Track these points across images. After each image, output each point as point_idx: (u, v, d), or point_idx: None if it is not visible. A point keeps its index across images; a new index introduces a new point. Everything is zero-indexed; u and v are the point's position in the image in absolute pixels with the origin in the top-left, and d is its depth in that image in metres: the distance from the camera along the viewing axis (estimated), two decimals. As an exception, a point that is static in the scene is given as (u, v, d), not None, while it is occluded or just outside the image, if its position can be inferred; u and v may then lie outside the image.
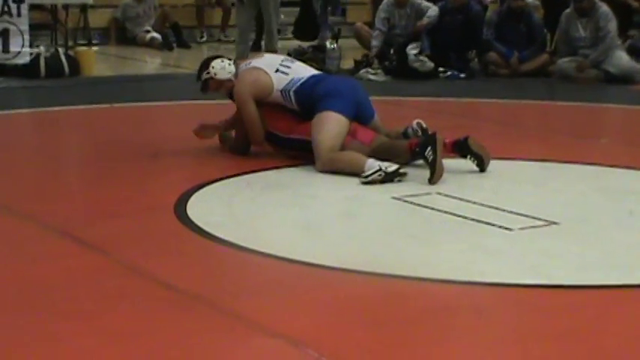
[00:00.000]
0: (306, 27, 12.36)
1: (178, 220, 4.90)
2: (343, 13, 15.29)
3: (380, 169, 5.60)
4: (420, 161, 5.79)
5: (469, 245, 4.56)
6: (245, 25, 10.77)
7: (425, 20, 10.97)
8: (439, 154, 5.63)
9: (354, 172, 5.70)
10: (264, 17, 10.66)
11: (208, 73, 6.27)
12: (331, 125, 5.90)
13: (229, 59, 6.37)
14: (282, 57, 6.67)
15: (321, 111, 5.95)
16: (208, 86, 6.33)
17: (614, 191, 5.67)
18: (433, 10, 11.05)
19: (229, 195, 5.47)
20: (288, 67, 6.28)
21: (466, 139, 5.95)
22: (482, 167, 5.97)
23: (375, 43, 11.02)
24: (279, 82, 6.14)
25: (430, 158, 5.63)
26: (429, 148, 5.65)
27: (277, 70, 6.19)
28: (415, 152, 5.77)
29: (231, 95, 6.33)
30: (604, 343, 3.49)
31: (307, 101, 6.06)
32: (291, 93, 6.11)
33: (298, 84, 6.12)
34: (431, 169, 5.63)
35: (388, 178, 5.60)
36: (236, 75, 6.25)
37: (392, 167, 5.62)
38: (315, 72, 6.34)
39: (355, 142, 5.98)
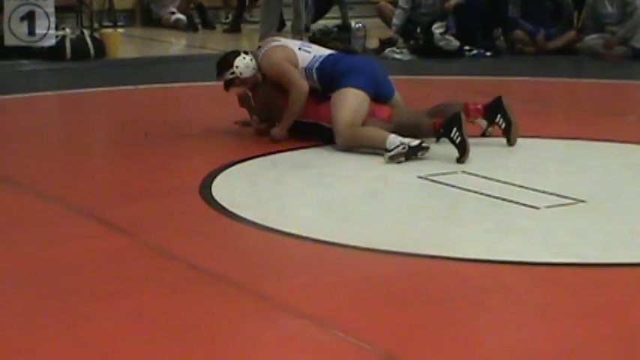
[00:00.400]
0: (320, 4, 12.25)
1: (204, 200, 4.91)
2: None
3: (402, 143, 5.59)
4: (445, 139, 5.75)
5: (495, 224, 4.54)
6: (272, 6, 10.71)
7: (453, 0, 10.90)
8: (465, 133, 5.61)
9: (376, 147, 5.71)
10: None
11: (233, 73, 6.16)
12: (350, 100, 5.89)
13: (246, 53, 6.26)
14: (299, 41, 6.72)
15: (340, 88, 5.95)
16: (233, 85, 6.23)
17: (642, 169, 5.63)
18: None
19: (254, 175, 5.47)
20: (309, 46, 6.34)
21: (499, 97, 5.98)
22: (508, 134, 5.96)
23: (396, 21, 10.96)
24: (303, 59, 6.14)
25: (458, 140, 5.60)
26: (455, 129, 5.61)
27: (300, 49, 6.20)
28: (440, 133, 5.73)
29: (252, 89, 6.29)
30: (631, 321, 3.47)
31: (328, 78, 6.06)
32: (314, 70, 6.10)
33: (320, 61, 6.12)
34: (460, 150, 5.60)
35: (412, 152, 5.59)
36: (258, 67, 6.20)
37: (415, 142, 5.61)
38: (333, 52, 6.36)
39: (375, 120, 5.96)
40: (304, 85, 6.03)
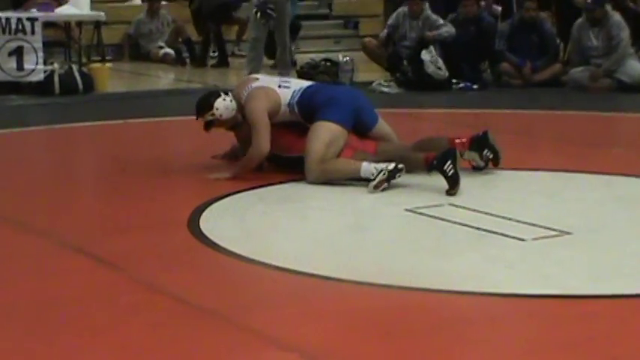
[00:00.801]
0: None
1: (192, 234, 4.92)
2: (355, 26, 15.33)
3: (381, 170, 5.66)
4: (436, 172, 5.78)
5: (482, 256, 4.56)
6: (261, 42, 10.71)
7: (435, 32, 10.99)
8: (459, 168, 5.67)
9: (349, 179, 5.78)
10: (279, 31, 10.64)
11: (213, 115, 6.15)
12: (324, 135, 5.92)
13: (226, 93, 6.24)
14: (276, 77, 6.73)
15: (317, 120, 5.99)
16: (212, 126, 6.24)
17: (628, 200, 5.66)
18: (448, 31, 11.03)
19: (242, 209, 5.48)
20: (288, 81, 6.37)
21: (485, 133, 6.10)
22: (497, 161, 6.10)
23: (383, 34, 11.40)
24: (284, 96, 6.15)
25: (450, 172, 5.65)
26: (449, 162, 5.66)
27: (280, 86, 6.21)
28: (433, 165, 5.76)
29: (232, 127, 6.30)
30: (618, 353, 3.48)
31: (309, 111, 6.08)
32: (295, 104, 6.13)
33: (299, 94, 6.15)
34: (451, 182, 5.64)
35: (392, 175, 5.68)
36: (239, 107, 6.17)
37: (390, 165, 5.69)
38: (312, 83, 6.41)
39: (360, 152, 6.00)
40: (265, 148, 6.00)
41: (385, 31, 11.50)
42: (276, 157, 6.20)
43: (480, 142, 6.10)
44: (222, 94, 6.21)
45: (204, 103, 6.22)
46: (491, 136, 6.11)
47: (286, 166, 6.16)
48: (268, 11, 10.19)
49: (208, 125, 6.24)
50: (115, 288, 4.17)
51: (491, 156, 6.12)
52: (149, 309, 3.90)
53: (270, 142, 6.10)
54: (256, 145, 6.04)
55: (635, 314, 3.89)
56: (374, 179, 5.67)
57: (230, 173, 6.06)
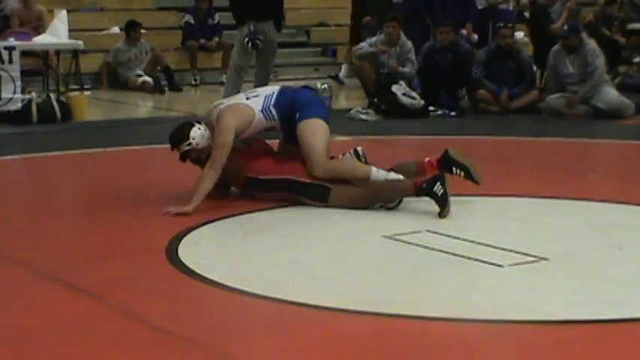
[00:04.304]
0: None
1: (170, 262, 4.91)
2: (334, 54, 15.40)
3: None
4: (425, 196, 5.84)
5: (460, 282, 4.58)
6: (245, 70, 10.76)
7: (399, 66, 11.11)
8: (448, 188, 5.74)
9: (358, 179, 5.96)
10: (264, 58, 10.69)
11: (190, 144, 6.14)
12: (320, 130, 6.07)
13: (199, 122, 6.25)
14: (241, 93, 6.73)
15: (306, 118, 6.07)
16: (189, 156, 6.23)
17: (604, 226, 5.70)
18: (410, 72, 11.21)
19: (220, 236, 5.49)
20: (255, 91, 6.44)
21: (446, 151, 6.17)
22: (471, 178, 6.13)
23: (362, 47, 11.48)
24: (256, 105, 6.19)
25: (440, 193, 5.73)
26: (439, 184, 5.74)
27: (248, 98, 6.25)
28: (421, 189, 5.81)
29: (204, 161, 6.17)
30: (595, 378, 3.50)
31: (289, 112, 6.13)
32: (271, 108, 6.16)
33: (273, 98, 6.19)
34: (441, 204, 5.72)
35: None
36: (211, 137, 6.14)
37: (391, 175, 5.97)
38: (279, 87, 6.47)
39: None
40: (220, 163, 5.95)
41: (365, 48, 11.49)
42: (254, 182, 6.20)
43: (446, 162, 6.15)
44: (196, 124, 6.23)
45: (179, 135, 6.22)
46: (452, 153, 6.16)
47: (265, 189, 6.15)
48: (257, 42, 10.32)
49: (184, 155, 6.25)
50: (93, 317, 4.16)
51: (462, 174, 6.14)
52: (127, 337, 3.89)
53: (245, 166, 6.14)
54: (212, 160, 5.97)
55: (611, 340, 3.91)
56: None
57: (189, 207, 5.89)
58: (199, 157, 6.22)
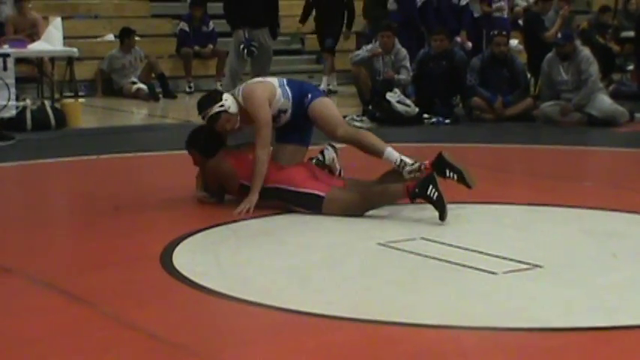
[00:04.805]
0: None
1: (164, 269, 4.91)
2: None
3: (408, 162, 6.14)
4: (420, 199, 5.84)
5: (454, 290, 4.58)
6: (239, 76, 10.78)
7: (394, 73, 11.12)
8: (441, 189, 5.75)
9: (373, 152, 6.19)
10: (260, 66, 10.70)
11: (222, 106, 6.14)
12: (335, 107, 6.49)
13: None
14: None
15: (318, 97, 6.36)
16: (219, 119, 6.18)
17: (598, 233, 5.71)
18: (405, 79, 11.22)
19: (215, 244, 5.49)
20: (264, 78, 6.64)
21: (440, 153, 6.15)
22: (464, 182, 6.11)
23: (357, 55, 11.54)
24: (273, 82, 6.38)
25: (435, 196, 5.73)
26: (431, 187, 5.74)
27: (262, 80, 6.50)
28: (415, 193, 5.81)
29: (220, 136, 6.32)
30: (589, 385, 3.51)
31: (300, 93, 6.33)
32: (286, 87, 6.33)
33: (284, 80, 6.42)
34: (438, 207, 5.73)
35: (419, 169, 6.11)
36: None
37: (410, 159, 6.15)
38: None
39: (334, 188, 6.06)
40: (269, 147, 6.17)
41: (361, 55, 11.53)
42: (248, 189, 6.18)
43: (439, 165, 6.12)
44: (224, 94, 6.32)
45: (211, 98, 6.27)
46: (447, 156, 6.15)
47: (262, 197, 6.14)
48: (252, 48, 10.36)
49: (213, 119, 6.19)
50: (87, 324, 4.16)
51: (455, 177, 6.12)
52: (121, 345, 3.89)
53: (239, 172, 6.14)
54: (261, 140, 6.09)
55: (605, 347, 3.91)
56: (411, 165, 6.10)
57: (253, 196, 6.04)
58: (224, 128, 6.21)
